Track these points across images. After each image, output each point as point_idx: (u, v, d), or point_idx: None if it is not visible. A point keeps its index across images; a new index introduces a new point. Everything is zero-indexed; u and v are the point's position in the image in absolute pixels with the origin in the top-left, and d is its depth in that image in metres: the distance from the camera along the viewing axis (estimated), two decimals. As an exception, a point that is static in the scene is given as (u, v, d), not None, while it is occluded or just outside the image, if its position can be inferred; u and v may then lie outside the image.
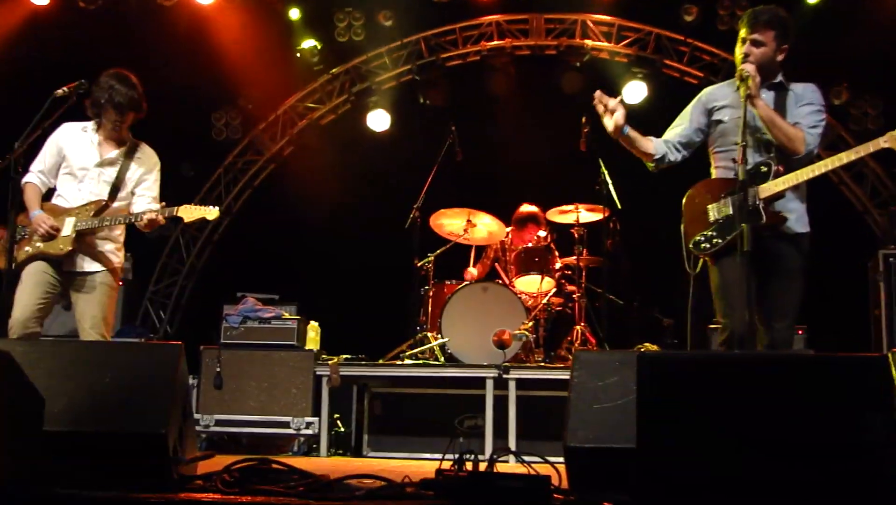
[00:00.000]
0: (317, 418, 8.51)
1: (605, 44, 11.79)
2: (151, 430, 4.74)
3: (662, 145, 6.00)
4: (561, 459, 4.74)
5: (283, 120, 12.40)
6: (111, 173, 6.79)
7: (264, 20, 11.56)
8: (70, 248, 6.56)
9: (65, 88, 6.43)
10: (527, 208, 10.21)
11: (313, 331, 9.24)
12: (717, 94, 5.93)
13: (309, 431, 8.48)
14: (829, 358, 4.16)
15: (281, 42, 11.79)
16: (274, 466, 4.87)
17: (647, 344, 9.20)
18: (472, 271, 10.24)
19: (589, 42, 11.79)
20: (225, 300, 9.05)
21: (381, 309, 10.87)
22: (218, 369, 8.53)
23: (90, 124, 6.86)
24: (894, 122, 10.61)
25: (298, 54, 11.83)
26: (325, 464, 7.40)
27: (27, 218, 6.63)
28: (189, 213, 6.63)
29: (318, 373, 8.62)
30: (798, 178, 5.48)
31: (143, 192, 6.88)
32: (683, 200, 5.94)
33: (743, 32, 5.68)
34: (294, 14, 11.71)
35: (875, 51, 10.36)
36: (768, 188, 5.46)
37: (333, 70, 12.21)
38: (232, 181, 12.41)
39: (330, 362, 8.64)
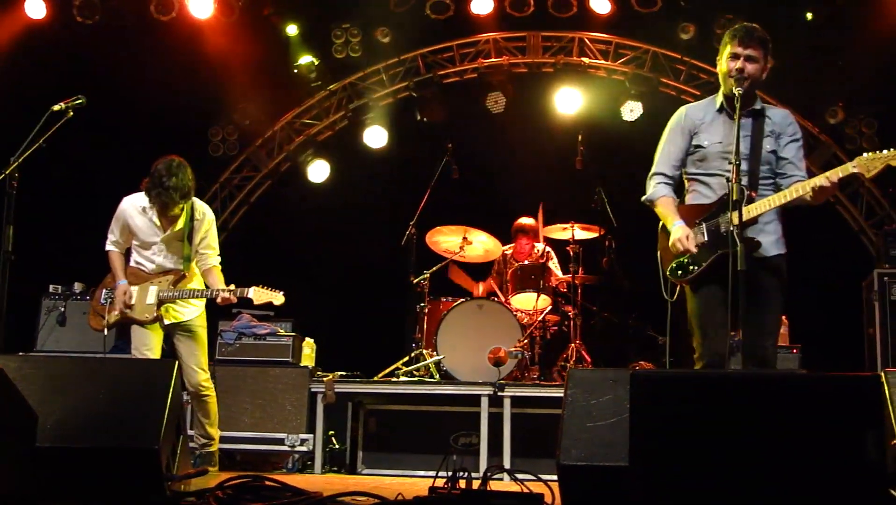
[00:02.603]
0: (311, 435, 8.49)
1: (603, 62, 11.80)
2: (145, 446, 4.74)
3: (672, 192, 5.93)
4: (556, 477, 4.74)
5: (279, 136, 12.39)
6: (178, 246, 7.39)
7: (261, 36, 11.55)
8: (155, 316, 7.28)
9: (62, 104, 6.45)
10: (523, 221, 10.27)
11: (308, 347, 9.22)
12: (698, 115, 5.80)
13: (303, 448, 8.45)
14: (822, 377, 4.17)
15: (278, 58, 11.78)
16: (267, 483, 4.87)
17: (641, 362, 9.20)
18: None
19: (586, 60, 11.81)
20: (220, 316, 9.03)
21: (376, 326, 10.88)
22: (212, 385, 8.53)
23: (148, 202, 7.32)
24: (889, 142, 10.73)
25: (296, 70, 11.82)
26: (319, 481, 7.39)
27: (114, 282, 7.41)
28: (259, 295, 7.31)
29: (312, 389, 8.60)
30: (770, 205, 5.44)
31: (206, 250, 7.54)
32: (659, 226, 5.91)
33: (735, 48, 5.56)
34: (292, 30, 11.69)
35: (871, 70, 10.39)
36: (739, 216, 5.37)
37: (331, 86, 12.21)
38: (228, 197, 12.40)
39: (325, 379, 8.62)
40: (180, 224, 7.35)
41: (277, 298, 7.38)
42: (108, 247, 7.46)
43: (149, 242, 7.37)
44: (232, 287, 7.27)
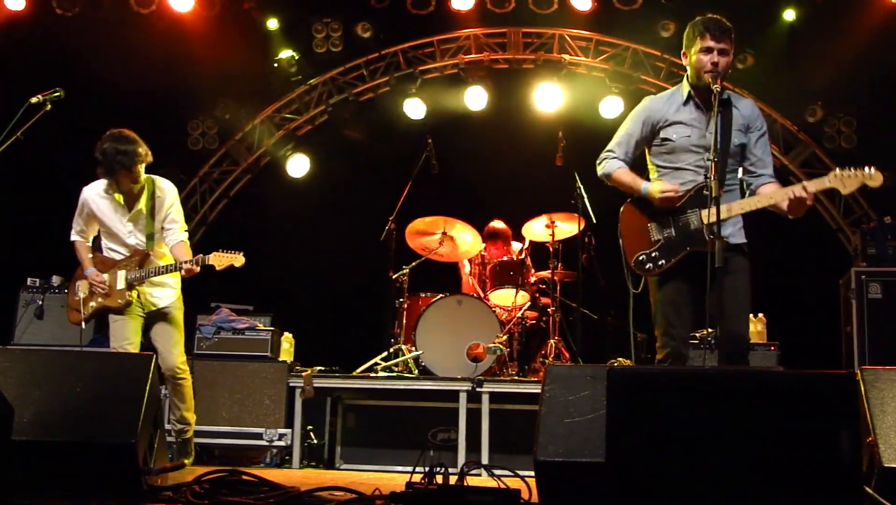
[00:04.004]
0: (290, 430, 8.48)
1: (583, 58, 11.82)
2: (121, 440, 4.73)
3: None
4: (533, 473, 4.75)
5: (259, 130, 12.36)
6: (143, 224, 7.31)
7: (242, 30, 11.52)
8: (127, 300, 7.23)
9: (39, 96, 6.43)
10: (495, 224, 10.29)
11: (287, 342, 9.21)
12: (663, 108, 5.83)
13: (282, 443, 8.44)
14: (798, 374, 4.19)
15: (258, 52, 11.75)
16: (244, 477, 4.87)
17: (620, 359, 9.22)
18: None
19: (566, 56, 11.81)
20: (199, 310, 9.01)
21: (355, 321, 10.86)
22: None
23: (109, 183, 7.28)
24: (867, 141, 10.83)
25: (276, 64, 11.80)
26: (297, 476, 7.38)
27: (83, 274, 7.37)
28: (218, 260, 7.22)
29: (291, 384, 8.60)
30: (742, 209, 5.56)
31: (171, 225, 7.39)
32: (620, 214, 5.92)
33: (707, 42, 5.57)
34: (272, 24, 11.68)
35: (850, 69, 10.44)
36: (710, 214, 5.37)
37: (311, 81, 12.18)
38: (208, 191, 12.37)
39: (303, 374, 8.62)
40: (143, 201, 7.29)
41: (238, 260, 7.27)
42: (73, 237, 7.44)
43: (116, 226, 7.30)
44: (199, 257, 7.17)
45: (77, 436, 4.79)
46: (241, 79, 11.77)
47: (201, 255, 7.19)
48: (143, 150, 7.12)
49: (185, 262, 7.16)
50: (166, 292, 7.39)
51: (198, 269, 7.18)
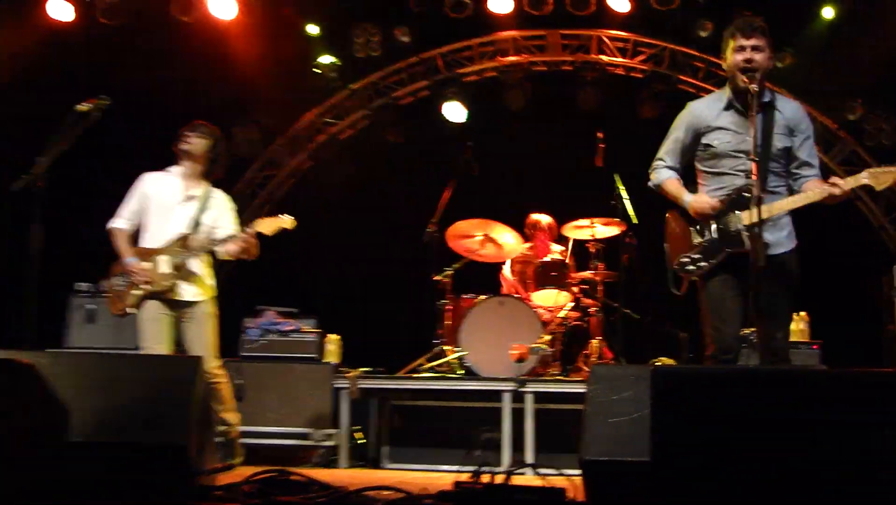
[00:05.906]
0: (336, 430, 8.55)
1: (621, 59, 11.84)
2: (173, 441, 4.81)
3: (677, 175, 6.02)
4: (578, 472, 4.79)
5: (302, 135, 12.46)
6: (193, 208, 7.25)
7: (283, 36, 11.61)
8: (173, 282, 7.07)
9: (86, 104, 6.52)
10: (536, 217, 10.31)
11: (333, 344, 9.27)
12: (706, 114, 5.83)
13: (328, 443, 8.52)
14: (842, 373, 4.20)
15: (300, 58, 11.84)
16: (293, 477, 4.94)
17: (662, 358, 9.23)
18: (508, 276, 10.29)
19: (605, 57, 11.84)
20: (245, 313, 9.11)
21: (399, 323, 10.93)
22: (239, 382, 8.54)
23: (173, 168, 7.40)
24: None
25: (317, 70, 11.89)
26: (344, 476, 7.44)
27: (121, 265, 7.20)
28: (267, 226, 7.06)
29: (337, 385, 8.67)
30: (782, 209, 5.54)
31: (223, 225, 7.35)
32: (666, 220, 5.97)
33: (739, 41, 5.57)
34: (312, 30, 11.77)
35: (890, 66, 10.39)
36: (750, 215, 5.40)
37: (352, 85, 12.27)
38: (251, 195, 12.47)
39: (349, 375, 8.69)
40: (199, 192, 7.30)
41: (287, 223, 7.12)
42: (117, 224, 7.28)
43: (170, 205, 7.23)
44: (248, 229, 7.07)
45: (129, 437, 4.86)
46: (283, 84, 11.86)
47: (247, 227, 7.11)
48: (193, 146, 7.33)
49: (237, 235, 7.10)
50: (198, 290, 7.25)
51: (253, 239, 7.07)
